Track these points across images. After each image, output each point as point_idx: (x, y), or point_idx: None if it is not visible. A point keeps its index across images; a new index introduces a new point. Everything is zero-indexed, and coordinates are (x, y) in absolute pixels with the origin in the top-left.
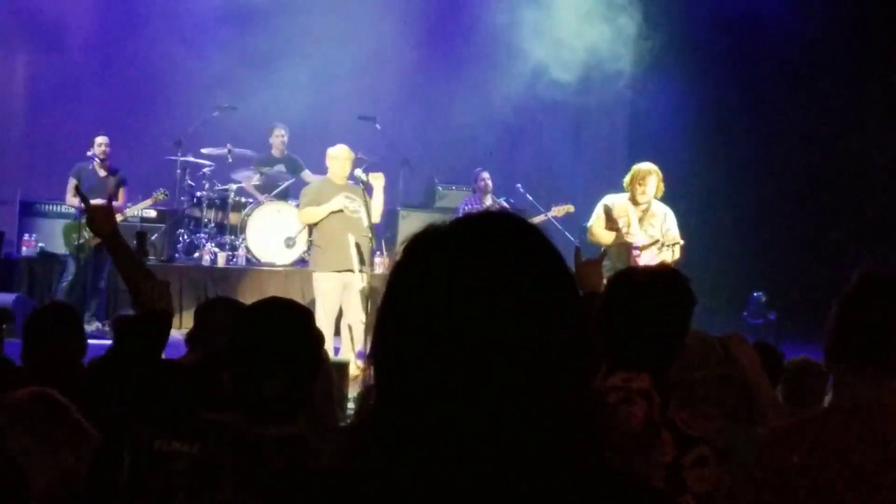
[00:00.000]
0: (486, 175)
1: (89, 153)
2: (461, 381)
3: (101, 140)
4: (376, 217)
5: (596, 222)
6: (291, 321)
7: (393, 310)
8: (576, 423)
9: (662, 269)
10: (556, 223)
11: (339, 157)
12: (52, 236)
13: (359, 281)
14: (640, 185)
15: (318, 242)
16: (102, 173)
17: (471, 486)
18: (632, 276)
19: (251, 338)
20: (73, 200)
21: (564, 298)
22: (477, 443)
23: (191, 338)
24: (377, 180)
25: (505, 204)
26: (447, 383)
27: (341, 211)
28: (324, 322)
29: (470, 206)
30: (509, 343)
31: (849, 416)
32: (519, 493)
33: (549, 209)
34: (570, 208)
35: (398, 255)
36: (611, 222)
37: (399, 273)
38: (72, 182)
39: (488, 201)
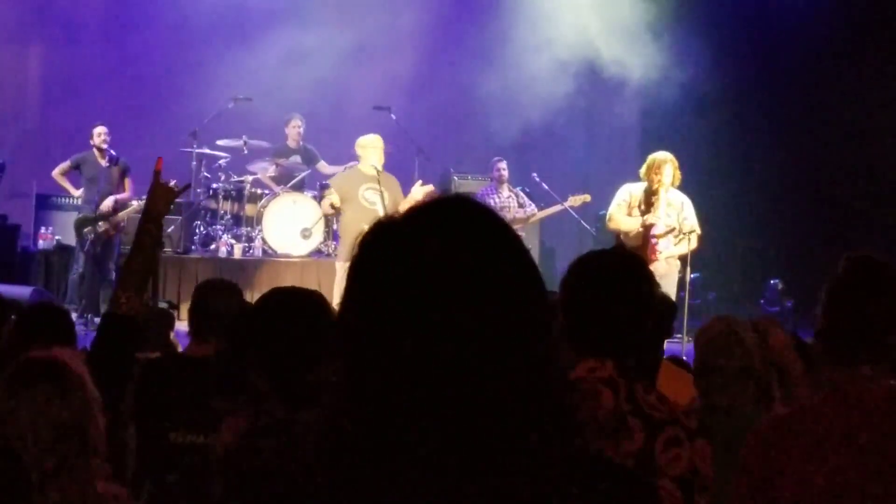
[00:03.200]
0: (502, 165)
1: (91, 143)
2: (423, 367)
3: (99, 130)
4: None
5: (616, 210)
6: (319, 307)
7: (351, 303)
8: (546, 407)
9: (620, 252)
10: (572, 212)
11: (368, 146)
12: (68, 229)
13: None
14: (656, 173)
15: (340, 232)
16: (104, 163)
17: (442, 474)
18: (588, 262)
19: (289, 328)
20: (61, 180)
21: (522, 277)
22: (446, 429)
23: (195, 330)
24: (422, 190)
25: (522, 193)
26: (409, 370)
27: (359, 202)
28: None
29: (487, 196)
30: (468, 325)
31: (841, 403)
32: (493, 478)
33: (565, 199)
34: (587, 198)
35: (355, 249)
36: (631, 210)
37: (355, 265)
38: (64, 164)
39: (505, 191)
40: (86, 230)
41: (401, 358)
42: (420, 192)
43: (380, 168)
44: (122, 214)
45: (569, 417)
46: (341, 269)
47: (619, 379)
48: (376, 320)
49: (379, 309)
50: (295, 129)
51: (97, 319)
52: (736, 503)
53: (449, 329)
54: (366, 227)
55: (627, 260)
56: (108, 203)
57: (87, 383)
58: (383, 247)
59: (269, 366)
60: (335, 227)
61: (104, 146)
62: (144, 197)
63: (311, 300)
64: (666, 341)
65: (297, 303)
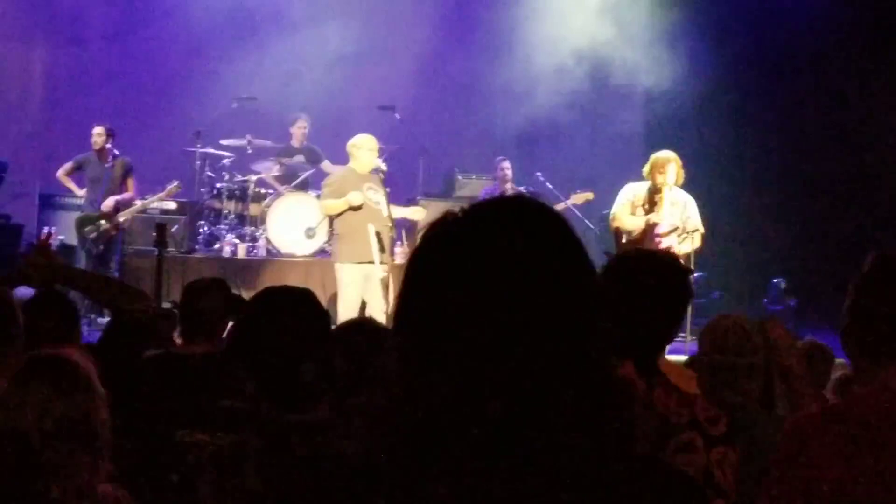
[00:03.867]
0: (506, 165)
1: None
2: (482, 366)
3: (96, 130)
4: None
5: (620, 209)
6: (308, 305)
7: (412, 297)
8: (601, 407)
9: (665, 256)
10: (575, 211)
11: (363, 147)
12: (71, 229)
13: (379, 271)
14: (660, 173)
15: (339, 232)
16: (105, 163)
17: (498, 472)
18: (632, 261)
19: (277, 327)
20: (66, 180)
21: (580, 279)
22: (503, 428)
23: (185, 331)
24: (417, 214)
25: (524, 193)
26: (469, 369)
27: (364, 202)
28: (346, 314)
29: (489, 195)
30: (527, 325)
31: (871, 404)
32: (548, 478)
33: (568, 197)
34: (590, 196)
35: (416, 242)
36: (635, 209)
37: (417, 260)
38: (68, 164)
39: (508, 191)
40: (87, 229)
41: (458, 353)
42: (414, 213)
43: (370, 168)
44: (123, 214)
45: (620, 418)
46: (346, 271)
47: (638, 379)
48: (438, 315)
49: (441, 304)
50: (300, 130)
51: (101, 319)
52: (772, 496)
53: (508, 326)
54: (371, 227)
55: (667, 265)
56: (108, 203)
57: (95, 381)
58: (448, 242)
59: (254, 365)
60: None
61: (105, 146)
62: (147, 196)
63: (300, 300)
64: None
65: (284, 303)
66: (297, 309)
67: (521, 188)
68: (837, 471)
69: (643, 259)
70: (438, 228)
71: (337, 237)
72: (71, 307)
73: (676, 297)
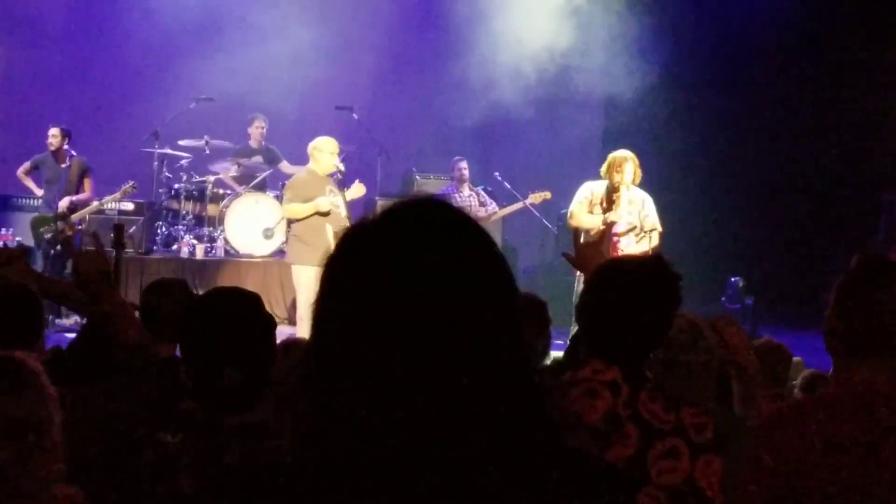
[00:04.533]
0: (463, 165)
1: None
2: (399, 369)
3: (52, 132)
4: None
5: (578, 208)
6: (242, 308)
7: (329, 301)
8: (518, 405)
9: (654, 262)
10: (534, 210)
11: (324, 150)
12: (28, 229)
13: None
14: (617, 172)
15: (296, 233)
16: (61, 164)
17: (421, 474)
18: (622, 267)
19: (205, 329)
20: (25, 180)
21: (494, 281)
22: (422, 430)
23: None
24: (358, 191)
25: (483, 192)
26: (386, 372)
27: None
28: (307, 315)
29: (447, 195)
30: (442, 329)
31: (853, 398)
32: (471, 477)
33: (526, 197)
34: (547, 195)
35: (331, 249)
36: (593, 207)
37: (333, 264)
38: (26, 164)
39: (466, 191)
40: (42, 230)
41: (375, 359)
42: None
43: (329, 171)
44: (78, 214)
45: (542, 415)
46: (304, 273)
47: (623, 384)
48: (351, 322)
49: (354, 311)
50: (258, 130)
51: (58, 321)
52: (741, 495)
53: (425, 329)
54: (329, 227)
55: (656, 271)
56: (64, 203)
57: (43, 380)
58: (359, 250)
59: (191, 366)
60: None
61: (61, 147)
62: (106, 198)
63: (241, 302)
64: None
65: (224, 304)
66: (240, 311)
67: (479, 188)
68: (814, 467)
69: (631, 266)
70: (355, 232)
71: (294, 238)
72: (34, 299)
73: (665, 303)
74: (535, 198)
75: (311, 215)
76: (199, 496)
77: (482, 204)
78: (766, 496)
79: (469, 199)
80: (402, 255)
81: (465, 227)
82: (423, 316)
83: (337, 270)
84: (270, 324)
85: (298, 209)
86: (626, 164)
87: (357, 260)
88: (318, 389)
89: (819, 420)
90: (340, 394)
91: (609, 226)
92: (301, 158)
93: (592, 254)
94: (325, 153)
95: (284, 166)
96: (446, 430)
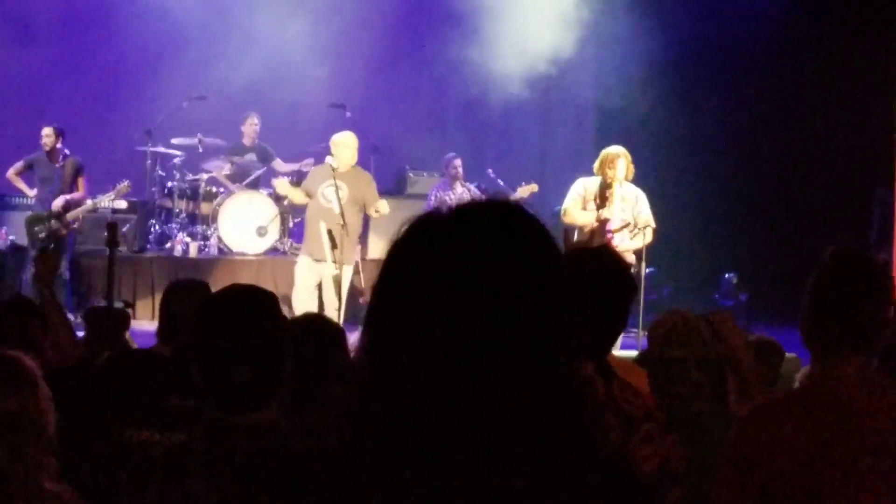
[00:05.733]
0: (457, 162)
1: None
2: (455, 364)
3: (45, 131)
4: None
5: (571, 204)
6: (256, 305)
7: (388, 291)
8: (567, 407)
9: (604, 254)
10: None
11: (341, 144)
12: (22, 229)
13: (331, 268)
14: (610, 168)
15: (305, 226)
16: (55, 163)
17: (464, 470)
18: (570, 262)
19: (217, 325)
20: (16, 180)
21: (556, 287)
22: (469, 426)
23: (161, 332)
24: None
25: (475, 189)
26: (441, 365)
27: (317, 199)
28: (302, 296)
29: (440, 193)
30: (502, 328)
31: (826, 393)
32: (509, 476)
33: (514, 191)
34: (534, 187)
35: (398, 234)
36: (586, 204)
37: (398, 253)
38: (18, 164)
39: (458, 187)
40: (36, 229)
41: (431, 350)
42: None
43: (349, 165)
44: (73, 213)
45: (581, 424)
46: (300, 260)
47: (597, 376)
48: (414, 310)
49: (418, 299)
50: (252, 127)
51: None
52: (722, 488)
53: (484, 327)
54: (323, 224)
55: (606, 263)
56: (58, 202)
57: (38, 379)
58: (432, 239)
59: (201, 362)
60: (291, 225)
61: (54, 146)
62: (99, 196)
63: (255, 300)
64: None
65: (239, 302)
66: (255, 309)
67: (472, 185)
68: (789, 461)
69: (581, 259)
70: (423, 224)
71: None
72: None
73: (618, 295)
74: (524, 191)
75: (307, 204)
76: (210, 497)
77: None
78: (748, 492)
79: (462, 195)
80: (470, 248)
81: (536, 230)
82: (482, 314)
83: (400, 253)
84: (284, 324)
85: (291, 192)
86: (619, 160)
87: (420, 244)
88: (369, 373)
89: (796, 415)
90: (390, 384)
91: (602, 222)
92: (295, 156)
93: None
94: (339, 147)
95: (278, 164)
96: (490, 428)
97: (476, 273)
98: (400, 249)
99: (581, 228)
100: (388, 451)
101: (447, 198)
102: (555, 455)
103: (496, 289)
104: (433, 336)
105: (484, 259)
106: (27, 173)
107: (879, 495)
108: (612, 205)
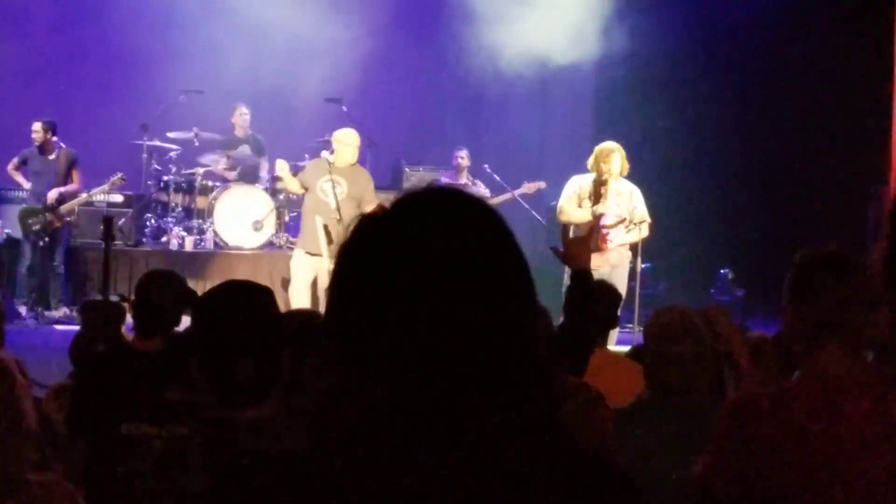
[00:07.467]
0: (462, 153)
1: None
2: (416, 359)
3: (34, 126)
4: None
5: (567, 202)
6: (255, 300)
7: (343, 291)
8: (533, 404)
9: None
10: (524, 203)
11: (341, 141)
12: (16, 221)
13: (327, 263)
14: (604, 163)
15: (301, 221)
16: (49, 156)
17: (434, 465)
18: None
19: (218, 320)
20: (15, 175)
21: (516, 273)
22: (437, 420)
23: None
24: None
25: (479, 182)
26: (402, 362)
27: (315, 193)
28: (299, 290)
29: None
30: (460, 319)
31: (811, 390)
32: (481, 470)
33: (519, 187)
34: (542, 184)
35: (346, 235)
36: (581, 201)
37: (348, 252)
38: (15, 159)
39: (462, 179)
40: (31, 221)
41: (387, 347)
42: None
43: (348, 163)
44: (68, 206)
45: (555, 413)
46: (296, 255)
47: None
48: (363, 309)
49: (375, 298)
50: (242, 117)
51: (47, 313)
52: (707, 472)
53: (439, 319)
54: (319, 219)
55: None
56: (52, 195)
57: (14, 370)
58: (370, 235)
59: (201, 357)
60: (287, 219)
61: (45, 140)
62: (93, 189)
63: (253, 295)
64: (617, 331)
65: (237, 296)
66: (253, 304)
67: (478, 180)
68: (770, 456)
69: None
70: (367, 219)
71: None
72: None
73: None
74: (531, 187)
75: (304, 198)
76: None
77: None
78: (731, 478)
79: (465, 188)
80: (412, 238)
81: (478, 211)
82: (432, 300)
83: (348, 256)
84: (280, 318)
85: (288, 177)
86: (613, 155)
87: (367, 245)
88: (331, 373)
89: (783, 406)
90: (354, 377)
91: (597, 218)
92: (290, 151)
93: (580, 249)
94: (340, 143)
95: (265, 161)
96: (459, 416)
97: (430, 264)
98: (344, 249)
99: (578, 225)
100: (357, 455)
101: None
102: (529, 449)
103: (453, 279)
104: (394, 335)
105: (436, 247)
106: (23, 168)
107: (866, 486)
108: (607, 200)
